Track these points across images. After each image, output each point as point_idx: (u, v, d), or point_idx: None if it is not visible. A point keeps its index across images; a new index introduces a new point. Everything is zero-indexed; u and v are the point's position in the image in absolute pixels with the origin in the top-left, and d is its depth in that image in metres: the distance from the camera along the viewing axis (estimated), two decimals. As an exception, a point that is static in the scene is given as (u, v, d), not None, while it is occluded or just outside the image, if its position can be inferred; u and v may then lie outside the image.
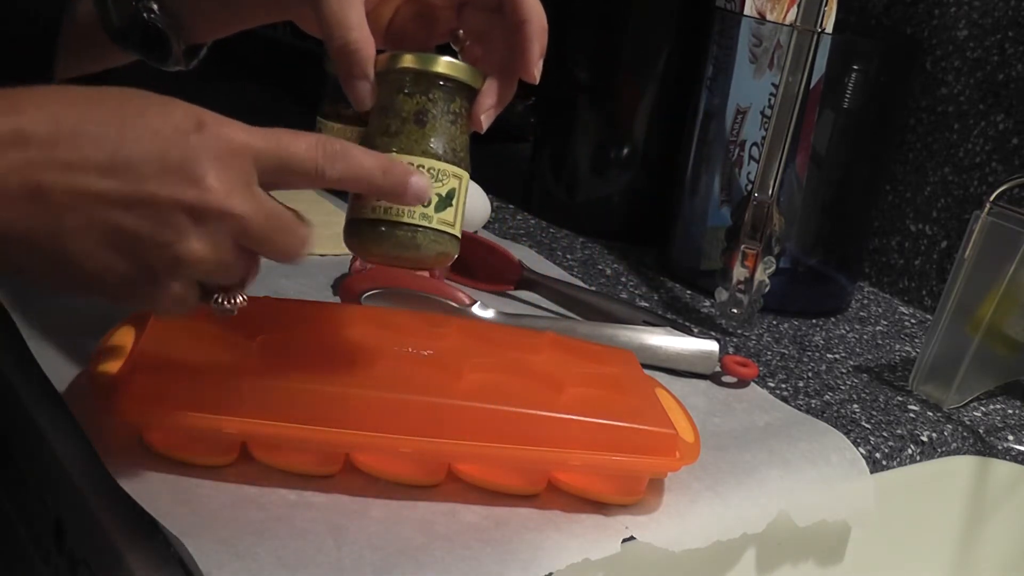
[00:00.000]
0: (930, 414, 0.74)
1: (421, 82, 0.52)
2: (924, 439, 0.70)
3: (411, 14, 0.57)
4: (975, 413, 0.76)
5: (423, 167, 0.51)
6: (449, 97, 0.52)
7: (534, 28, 0.53)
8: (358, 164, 0.47)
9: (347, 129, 0.96)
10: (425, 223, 0.50)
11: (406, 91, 0.52)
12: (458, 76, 0.52)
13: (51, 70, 0.63)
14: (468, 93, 0.53)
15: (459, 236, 0.53)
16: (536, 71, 0.54)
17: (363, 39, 0.51)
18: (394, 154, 0.50)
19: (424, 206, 0.50)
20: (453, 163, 0.52)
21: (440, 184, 0.51)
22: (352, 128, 0.96)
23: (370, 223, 0.50)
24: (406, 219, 0.50)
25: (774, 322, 0.86)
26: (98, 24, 0.62)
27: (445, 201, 0.51)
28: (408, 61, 0.51)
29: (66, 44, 0.63)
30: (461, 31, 0.56)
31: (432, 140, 0.51)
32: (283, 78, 1.48)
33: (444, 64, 0.52)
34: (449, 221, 0.51)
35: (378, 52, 0.52)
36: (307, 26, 0.57)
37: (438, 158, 0.51)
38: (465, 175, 0.53)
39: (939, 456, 0.71)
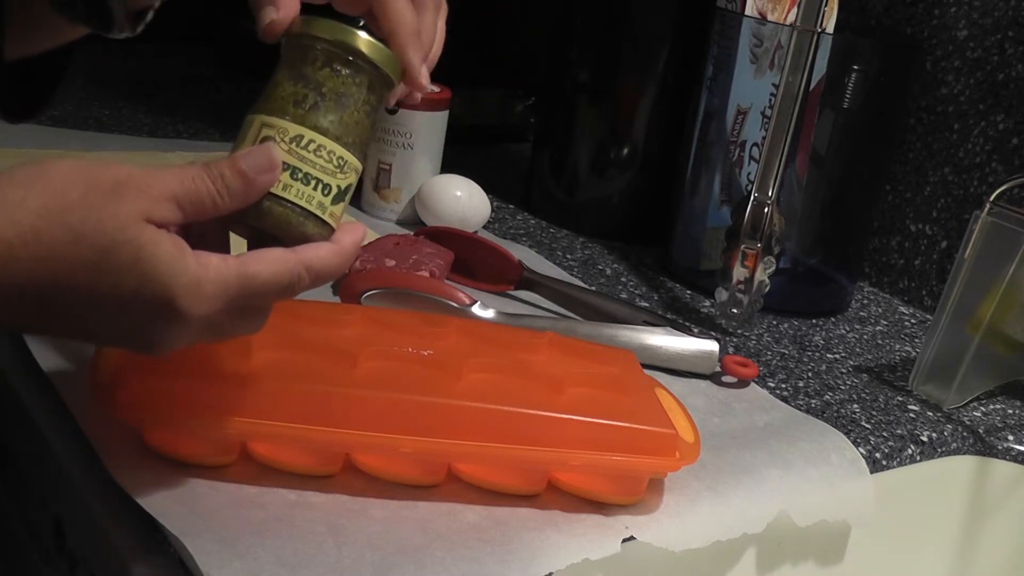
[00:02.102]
0: (930, 414, 0.74)
1: (338, 56, 0.48)
2: (924, 439, 0.70)
3: None
4: (975, 413, 0.76)
5: (321, 145, 0.47)
6: (363, 79, 0.49)
7: (404, 38, 0.50)
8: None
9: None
10: (296, 199, 0.47)
11: (315, 60, 0.48)
12: (376, 59, 0.49)
13: (0, 48, 0.62)
14: (382, 81, 0.49)
15: (324, 219, 0.48)
16: (420, 79, 0.51)
17: None
18: (287, 123, 0.47)
19: (313, 190, 0.47)
20: (347, 147, 0.48)
21: (329, 163, 0.48)
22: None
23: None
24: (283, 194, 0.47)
25: (774, 322, 0.86)
26: None
27: (328, 188, 0.48)
28: (330, 31, 0.48)
29: (13, 22, 0.62)
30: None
31: (334, 119, 0.48)
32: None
33: (366, 43, 0.48)
34: (326, 205, 0.48)
35: (303, 14, 0.49)
36: None
37: (338, 140, 0.48)
38: (358, 166, 0.49)
39: (939, 456, 0.71)
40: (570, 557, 0.50)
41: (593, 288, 0.86)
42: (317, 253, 0.47)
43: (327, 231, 0.48)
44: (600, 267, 0.93)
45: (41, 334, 0.56)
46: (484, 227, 0.95)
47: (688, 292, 0.90)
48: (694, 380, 0.72)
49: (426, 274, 0.77)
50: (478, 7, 1.40)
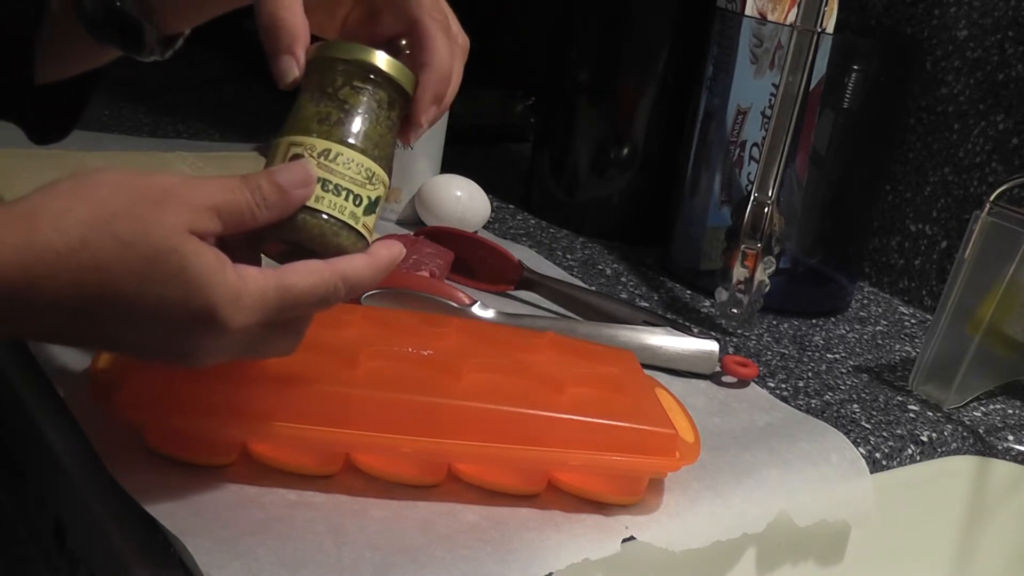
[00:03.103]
0: (930, 414, 0.74)
1: (357, 74, 0.49)
2: (924, 439, 0.70)
3: (362, 15, 0.56)
4: (975, 413, 0.76)
5: (349, 158, 0.48)
6: (382, 95, 0.50)
7: (432, 75, 0.52)
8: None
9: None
10: (330, 210, 0.48)
11: (335, 80, 0.49)
12: (394, 75, 0.50)
13: (30, 71, 0.62)
14: (401, 97, 0.51)
15: (358, 230, 0.49)
16: (424, 118, 0.52)
17: (291, 16, 0.50)
18: (314, 139, 0.48)
19: (345, 200, 0.48)
20: (374, 159, 0.49)
21: (358, 175, 0.48)
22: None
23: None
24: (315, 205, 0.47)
25: (774, 322, 0.86)
26: (73, 17, 0.61)
27: (353, 194, 0.48)
28: (347, 51, 0.49)
29: (46, 44, 0.62)
30: (403, 40, 0.54)
31: (358, 132, 0.49)
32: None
33: (383, 60, 0.50)
34: (355, 213, 0.49)
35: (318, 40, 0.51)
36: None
37: (364, 153, 0.49)
38: (386, 179, 0.50)
39: (939, 456, 0.71)
40: (570, 557, 0.50)
41: (593, 288, 0.86)
42: (352, 264, 0.47)
43: (362, 242, 0.49)
44: (600, 267, 0.93)
45: (75, 345, 0.56)
46: (484, 227, 0.95)
47: (688, 292, 0.90)
48: (694, 380, 0.72)
49: (426, 274, 0.77)
50: (478, 7, 1.40)
